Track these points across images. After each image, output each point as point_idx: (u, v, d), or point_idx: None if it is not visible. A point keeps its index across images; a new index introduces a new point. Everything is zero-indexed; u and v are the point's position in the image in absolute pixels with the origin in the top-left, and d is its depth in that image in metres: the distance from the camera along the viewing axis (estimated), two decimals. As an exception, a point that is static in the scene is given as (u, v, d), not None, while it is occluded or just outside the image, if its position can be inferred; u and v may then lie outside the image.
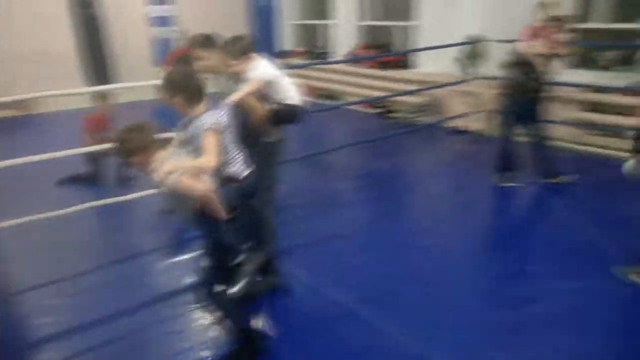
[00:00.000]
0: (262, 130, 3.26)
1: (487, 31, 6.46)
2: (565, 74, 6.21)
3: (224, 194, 2.46)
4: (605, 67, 5.90)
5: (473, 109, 6.71)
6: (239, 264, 2.66)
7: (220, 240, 2.55)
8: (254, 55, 3.27)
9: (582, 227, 3.91)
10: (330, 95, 8.87)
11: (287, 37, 10.70)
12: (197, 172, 2.32)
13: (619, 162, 4.67)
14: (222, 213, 2.45)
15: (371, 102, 8.00)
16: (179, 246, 3.83)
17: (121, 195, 4.13)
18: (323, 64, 9.28)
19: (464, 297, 3.11)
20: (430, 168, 5.66)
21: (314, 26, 10.28)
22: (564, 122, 5.87)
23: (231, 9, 9.49)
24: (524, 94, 4.49)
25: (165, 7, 7.70)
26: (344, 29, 9.23)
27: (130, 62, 9.10)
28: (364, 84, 8.37)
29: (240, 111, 3.15)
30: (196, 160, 2.35)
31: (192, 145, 2.42)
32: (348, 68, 8.91)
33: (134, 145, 2.28)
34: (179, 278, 3.42)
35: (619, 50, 6.02)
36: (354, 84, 8.58)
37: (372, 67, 8.46)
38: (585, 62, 6.26)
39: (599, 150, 5.69)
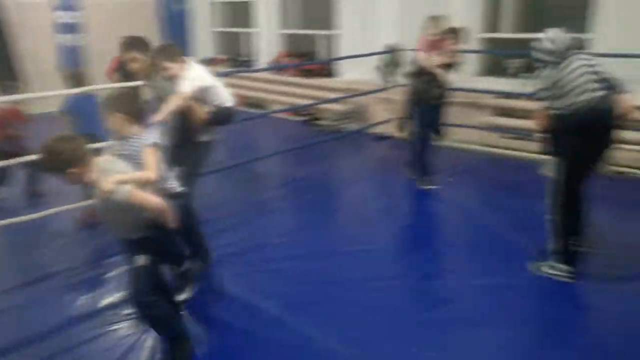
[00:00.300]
0: (199, 132, 3.37)
1: (405, 40, 6.70)
2: (478, 80, 6.60)
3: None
4: (514, 75, 6.30)
5: (394, 115, 6.92)
6: (185, 271, 2.77)
7: (170, 249, 2.60)
8: (188, 59, 3.33)
9: (497, 226, 4.11)
10: (255, 103, 8.81)
11: (208, 44, 10.52)
12: (141, 185, 2.32)
13: (530, 163, 5.02)
14: (174, 222, 2.46)
15: (297, 110, 8.04)
16: (97, 263, 3.64)
17: (33, 212, 3.87)
18: (247, 71, 9.21)
19: (389, 299, 3.17)
20: (355, 174, 5.75)
21: (236, 34, 10.18)
22: (477, 127, 6.21)
23: (142, 15, 9.17)
24: (427, 101, 4.80)
25: (72, 13, 7.28)
26: (266, 37, 9.22)
27: (37, 69, 8.55)
28: (289, 92, 8.39)
29: (180, 115, 3.23)
30: (139, 173, 2.38)
31: (132, 162, 2.43)
32: (272, 76, 8.90)
33: (69, 157, 2.17)
34: (99, 296, 3.24)
35: (524, 58, 6.43)
36: (279, 92, 8.58)
37: (296, 75, 8.51)
38: (496, 69, 6.66)
39: (512, 153, 6.05)
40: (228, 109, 3.50)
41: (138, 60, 3.28)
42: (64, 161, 2.18)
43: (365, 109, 7.40)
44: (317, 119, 7.99)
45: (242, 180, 5.48)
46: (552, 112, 3.28)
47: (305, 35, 8.98)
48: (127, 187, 2.23)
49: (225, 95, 3.49)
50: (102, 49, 7.24)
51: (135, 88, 3.63)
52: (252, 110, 8.18)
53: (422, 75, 4.81)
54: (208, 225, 3.62)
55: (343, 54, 7.67)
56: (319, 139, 6.87)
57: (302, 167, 5.90)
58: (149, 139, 2.50)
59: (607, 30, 5.41)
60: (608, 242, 3.63)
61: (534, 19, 6.59)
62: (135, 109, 2.53)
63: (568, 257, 3.25)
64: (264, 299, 3.13)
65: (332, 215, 4.69)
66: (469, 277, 3.36)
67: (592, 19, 5.60)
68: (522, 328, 2.84)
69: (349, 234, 4.15)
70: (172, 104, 3.14)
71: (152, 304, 2.47)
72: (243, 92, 8.91)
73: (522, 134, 5.94)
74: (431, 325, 2.88)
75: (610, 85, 3.16)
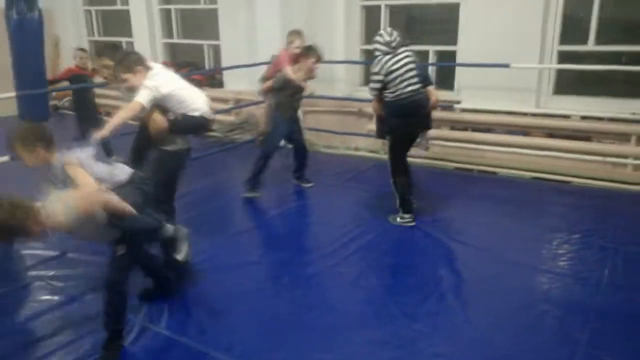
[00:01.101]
0: (159, 140, 3.33)
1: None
2: (364, 90, 6.94)
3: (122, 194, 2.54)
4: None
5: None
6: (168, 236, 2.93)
7: (143, 228, 2.72)
8: (148, 67, 3.27)
9: (365, 199, 4.83)
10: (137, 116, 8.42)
11: (83, 54, 9.87)
12: (86, 197, 2.34)
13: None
14: (128, 207, 2.51)
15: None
16: None
17: None
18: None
19: (272, 298, 3.26)
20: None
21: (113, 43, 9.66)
22: (364, 134, 6.54)
23: None
24: (289, 114, 5.04)
25: None
26: (147, 46, 8.88)
27: None
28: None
29: (140, 123, 3.25)
30: (73, 190, 2.39)
31: (60, 183, 2.48)
32: (157, 87, 8.58)
33: (18, 226, 2.17)
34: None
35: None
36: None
37: (183, 85, 8.30)
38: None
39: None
40: (194, 117, 3.36)
41: (109, 67, 3.33)
42: (18, 230, 2.18)
43: (257, 119, 7.42)
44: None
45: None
46: (384, 99, 4.12)
47: (188, 45, 8.80)
48: (68, 205, 2.25)
49: (193, 104, 3.36)
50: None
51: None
52: (135, 123, 7.81)
53: (285, 88, 4.95)
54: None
55: (227, 64, 7.64)
56: (209, 150, 6.75)
57: (195, 179, 5.74)
58: (64, 159, 2.51)
59: (467, 43, 6.01)
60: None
61: (407, 30, 7.09)
62: (50, 136, 2.55)
63: (407, 208, 4.34)
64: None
65: (224, 225, 4.61)
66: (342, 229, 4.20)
67: (458, 32, 6.17)
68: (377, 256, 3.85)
69: (240, 243, 4.20)
70: (118, 117, 3.18)
71: (122, 295, 2.70)
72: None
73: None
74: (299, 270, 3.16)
75: (425, 79, 4.22)
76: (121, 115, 3.21)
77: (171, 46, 9.04)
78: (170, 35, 8.91)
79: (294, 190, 5.40)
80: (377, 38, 4.11)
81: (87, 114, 5.79)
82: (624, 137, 5.31)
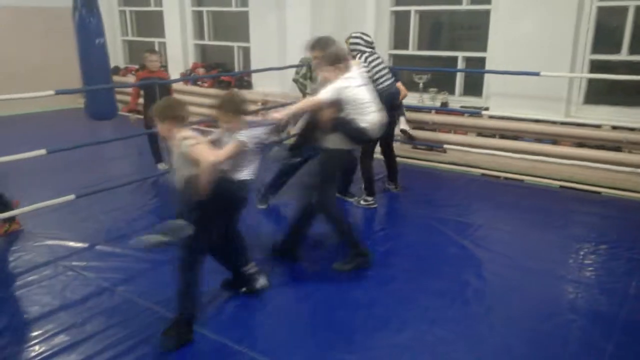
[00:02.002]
0: (321, 138, 3.50)
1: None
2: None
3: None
4: (424, 89, 6.70)
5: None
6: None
7: (215, 226, 2.99)
8: (348, 67, 3.45)
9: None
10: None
11: (118, 53, 10.15)
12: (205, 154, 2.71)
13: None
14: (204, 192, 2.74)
15: (214, 123, 7.95)
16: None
17: None
18: (160, 83, 8.96)
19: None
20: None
21: (148, 43, 9.89)
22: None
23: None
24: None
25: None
26: (179, 47, 9.07)
27: None
28: (205, 104, 8.29)
29: (310, 119, 3.57)
30: (208, 149, 2.79)
31: (180, 157, 2.82)
32: (186, 87, 8.75)
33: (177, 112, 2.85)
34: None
35: (431, 74, 6.89)
36: (194, 104, 8.44)
37: (212, 86, 8.45)
38: (408, 84, 7.04)
39: (421, 162, 6.44)
40: (358, 127, 3.43)
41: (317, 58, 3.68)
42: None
43: (285, 121, 7.49)
44: (235, 130, 7.97)
45: (162, 195, 5.37)
46: None
47: (219, 47, 8.95)
48: (191, 142, 2.72)
49: (366, 116, 3.43)
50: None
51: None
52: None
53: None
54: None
55: (257, 66, 7.75)
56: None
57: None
58: (241, 136, 2.93)
59: (497, 50, 5.98)
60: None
61: (433, 38, 7.10)
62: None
63: (371, 191, 4.89)
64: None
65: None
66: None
67: (486, 40, 6.15)
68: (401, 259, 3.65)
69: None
70: (298, 106, 3.46)
71: (194, 278, 2.88)
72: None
73: (431, 145, 6.38)
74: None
75: (395, 75, 4.92)
76: (300, 106, 3.47)
77: (202, 47, 9.22)
78: (202, 37, 9.08)
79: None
80: (361, 39, 4.76)
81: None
82: (655, 148, 5.22)
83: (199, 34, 9.11)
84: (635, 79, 5.31)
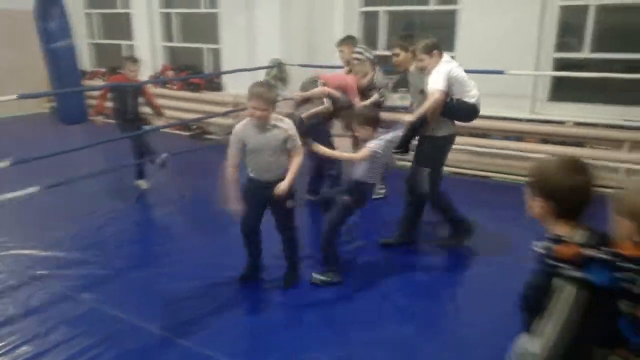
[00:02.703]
0: (434, 126, 3.67)
1: (289, 56, 6.91)
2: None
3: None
4: (394, 89, 6.75)
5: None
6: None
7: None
8: (442, 53, 3.66)
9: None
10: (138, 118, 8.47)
11: (85, 56, 9.95)
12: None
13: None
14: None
15: (185, 125, 7.89)
16: None
17: None
18: (130, 87, 8.83)
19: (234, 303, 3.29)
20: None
21: (116, 46, 9.73)
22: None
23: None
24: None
25: None
26: (147, 50, 8.94)
27: None
28: (175, 107, 8.21)
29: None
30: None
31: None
32: (156, 90, 8.62)
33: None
34: None
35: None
36: (164, 107, 8.33)
37: (182, 89, 8.37)
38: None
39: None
40: (468, 104, 3.63)
41: (399, 55, 3.98)
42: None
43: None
44: (206, 133, 7.91)
45: (129, 198, 5.28)
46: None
47: (189, 49, 8.86)
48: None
49: (471, 91, 3.65)
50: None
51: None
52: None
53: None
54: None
55: (227, 68, 7.71)
56: (207, 154, 6.79)
57: (194, 181, 5.81)
58: (371, 144, 3.26)
59: (464, 49, 6.07)
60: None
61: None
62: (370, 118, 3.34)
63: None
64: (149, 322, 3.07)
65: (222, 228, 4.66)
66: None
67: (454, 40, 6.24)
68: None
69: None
70: (424, 108, 3.54)
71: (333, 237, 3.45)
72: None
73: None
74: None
75: None
76: (426, 106, 3.54)
77: (171, 49, 9.11)
78: (170, 39, 8.98)
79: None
80: (366, 53, 4.80)
81: (126, 125, 5.39)
82: (616, 144, 5.37)
83: (168, 36, 9.01)
84: (596, 76, 5.46)
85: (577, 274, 1.38)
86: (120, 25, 9.54)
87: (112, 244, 4.17)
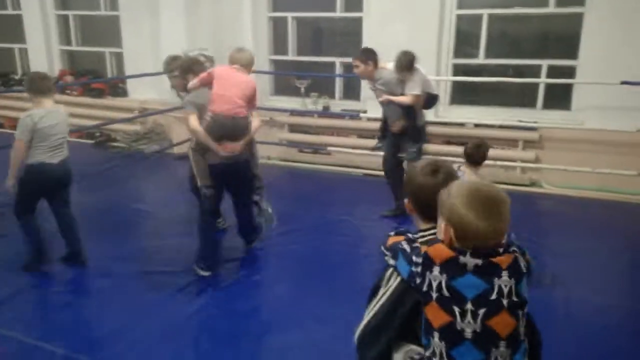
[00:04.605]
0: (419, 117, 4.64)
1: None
2: (274, 100, 7.04)
3: None
4: (306, 94, 6.83)
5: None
6: None
7: None
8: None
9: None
10: (34, 126, 7.88)
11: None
12: None
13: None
14: None
15: (86, 132, 7.45)
16: None
17: None
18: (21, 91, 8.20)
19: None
20: (158, 195, 5.59)
21: (5, 50, 8.97)
22: (278, 143, 6.61)
23: None
24: None
25: None
26: (43, 54, 8.34)
27: None
28: (77, 114, 7.71)
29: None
30: None
31: None
32: (55, 97, 8.06)
33: None
34: None
35: (312, 79, 7.04)
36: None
37: (83, 95, 7.90)
38: (289, 89, 7.13)
39: (308, 166, 6.55)
40: (434, 95, 4.72)
41: (358, 67, 4.63)
42: None
43: (165, 129, 7.23)
44: (111, 140, 7.52)
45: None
46: None
47: (91, 53, 8.39)
48: None
49: (433, 85, 4.80)
50: None
51: None
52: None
53: None
54: None
55: (131, 72, 7.39)
56: (116, 162, 6.47)
57: (95, 192, 5.46)
58: None
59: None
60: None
61: (315, 44, 7.28)
62: None
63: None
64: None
65: (130, 239, 4.45)
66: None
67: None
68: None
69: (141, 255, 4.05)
70: (411, 100, 4.45)
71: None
72: (15, 114, 7.93)
73: (316, 148, 6.51)
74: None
75: None
76: (410, 100, 4.45)
77: (69, 54, 8.57)
78: (69, 43, 8.45)
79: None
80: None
81: None
82: (512, 143, 5.80)
83: (66, 39, 8.46)
84: (491, 80, 5.86)
85: (391, 261, 1.44)
86: (9, 28, 8.82)
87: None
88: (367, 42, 6.32)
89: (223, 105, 3.44)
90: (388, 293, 1.44)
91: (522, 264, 1.34)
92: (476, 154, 3.58)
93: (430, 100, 4.70)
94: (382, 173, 6.10)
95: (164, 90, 6.92)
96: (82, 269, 3.77)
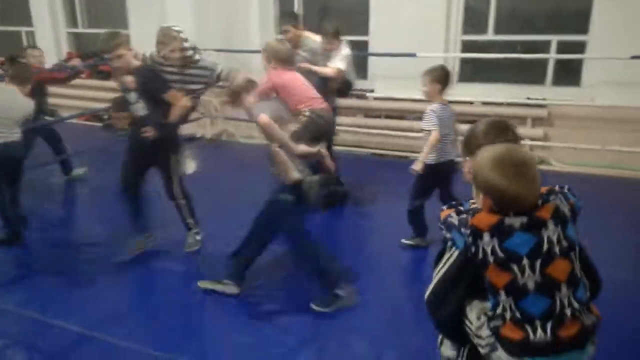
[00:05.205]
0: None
1: (204, 40, 6.73)
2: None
3: None
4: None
5: (204, 115, 6.92)
6: None
7: None
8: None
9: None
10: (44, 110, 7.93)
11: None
12: None
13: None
14: None
15: (95, 115, 7.49)
16: None
17: None
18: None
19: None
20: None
21: (11, 33, 8.98)
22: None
23: None
24: None
25: None
26: (50, 37, 8.35)
27: None
28: (84, 96, 7.77)
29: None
30: None
31: None
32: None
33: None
34: None
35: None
36: (72, 97, 7.86)
37: (91, 77, 7.91)
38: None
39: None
40: (350, 82, 4.52)
41: (289, 32, 4.21)
42: None
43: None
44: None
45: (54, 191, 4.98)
46: None
47: (98, 35, 8.36)
48: None
49: (352, 75, 4.56)
50: None
51: None
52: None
53: None
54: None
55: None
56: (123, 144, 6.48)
57: (103, 175, 5.51)
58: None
59: (377, 34, 6.21)
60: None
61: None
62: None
63: None
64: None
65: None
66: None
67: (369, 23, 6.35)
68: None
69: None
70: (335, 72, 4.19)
71: None
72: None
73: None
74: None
75: None
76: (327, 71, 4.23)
77: (76, 36, 8.57)
78: (75, 25, 8.44)
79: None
80: None
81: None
82: (520, 120, 5.75)
83: (72, 21, 8.45)
84: (500, 57, 5.79)
85: (447, 235, 1.53)
86: (18, 11, 8.82)
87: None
88: (374, 21, 6.27)
89: (317, 102, 3.45)
90: (452, 258, 1.53)
91: (565, 209, 1.43)
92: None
93: (346, 86, 4.49)
94: (389, 153, 6.13)
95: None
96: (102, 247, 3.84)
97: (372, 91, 6.42)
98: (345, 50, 4.32)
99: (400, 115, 6.27)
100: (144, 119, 3.42)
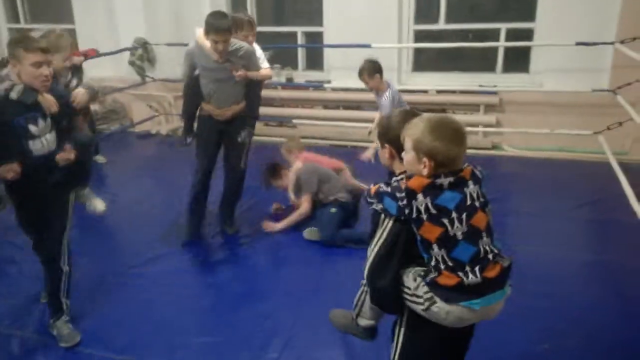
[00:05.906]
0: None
1: (155, 34, 6.58)
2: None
3: None
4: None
5: (158, 112, 6.77)
6: None
7: None
8: None
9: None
10: None
11: None
12: None
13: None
14: None
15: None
16: None
17: None
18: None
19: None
20: (125, 174, 5.48)
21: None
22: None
23: None
24: None
25: None
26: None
27: None
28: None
29: None
30: None
31: None
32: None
33: None
34: None
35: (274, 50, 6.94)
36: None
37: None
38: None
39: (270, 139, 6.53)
40: None
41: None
42: None
43: (124, 107, 7.04)
44: (69, 122, 7.28)
45: None
46: None
47: (42, 30, 8.00)
48: None
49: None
50: None
51: None
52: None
53: None
54: None
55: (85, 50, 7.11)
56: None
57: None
58: None
59: (332, 25, 6.22)
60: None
61: (277, 12, 7.15)
62: None
63: None
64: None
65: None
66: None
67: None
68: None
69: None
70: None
71: None
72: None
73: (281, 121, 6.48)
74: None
75: None
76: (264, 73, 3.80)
77: (19, 32, 8.16)
78: (17, 20, 8.05)
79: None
80: None
81: None
82: (474, 107, 5.89)
83: (14, 16, 8.05)
84: (452, 46, 5.91)
85: (379, 206, 1.65)
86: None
87: None
88: (327, 11, 6.26)
89: None
90: (386, 231, 1.64)
91: (477, 172, 1.65)
92: None
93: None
94: (348, 143, 6.17)
95: (122, 68, 6.75)
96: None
97: (329, 82, 6.43)
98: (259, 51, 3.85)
99: (358, 105, 6.31)
100: None
